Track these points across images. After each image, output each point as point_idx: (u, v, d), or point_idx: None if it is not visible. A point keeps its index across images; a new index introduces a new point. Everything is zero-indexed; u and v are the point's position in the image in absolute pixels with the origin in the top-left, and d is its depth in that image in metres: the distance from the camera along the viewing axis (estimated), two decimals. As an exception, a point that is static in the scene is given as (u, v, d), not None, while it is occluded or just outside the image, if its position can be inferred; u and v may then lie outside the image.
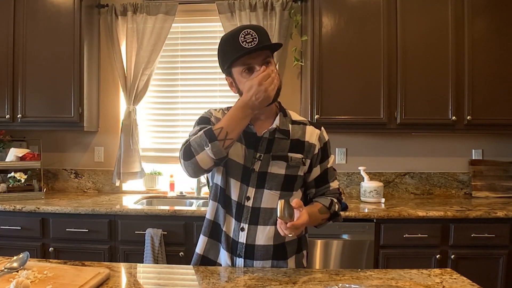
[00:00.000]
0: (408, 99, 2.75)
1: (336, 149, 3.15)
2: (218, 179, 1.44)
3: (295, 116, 1.50)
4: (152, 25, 3.04)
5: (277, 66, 3.03)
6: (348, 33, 2.77)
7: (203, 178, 2.94)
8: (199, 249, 1.48)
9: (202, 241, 1.48)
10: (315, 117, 2.75)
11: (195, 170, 1.30)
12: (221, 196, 1.43)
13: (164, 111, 3.31)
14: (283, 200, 1.21)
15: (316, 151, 1.44)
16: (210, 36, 3.23)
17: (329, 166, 1.49)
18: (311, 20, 2.79)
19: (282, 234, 1.23)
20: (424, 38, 2.74)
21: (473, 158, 3.14)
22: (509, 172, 3.10)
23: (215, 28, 3.20)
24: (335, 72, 2.77)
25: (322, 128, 1.49)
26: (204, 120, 1.44)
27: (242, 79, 1.32)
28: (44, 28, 2.89)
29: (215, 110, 1.50)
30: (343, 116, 2.77)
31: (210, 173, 1.45)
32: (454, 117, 2.73)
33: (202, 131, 1.28)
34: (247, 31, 1.29)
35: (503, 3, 2.74)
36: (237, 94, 1.39)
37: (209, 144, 1.24)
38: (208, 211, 1.47)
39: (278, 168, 1.39)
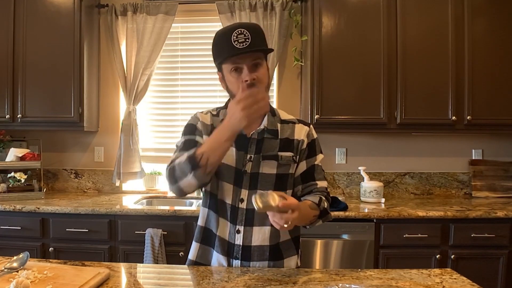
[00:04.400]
0: (408, 99, 2.75)
1: (336, 149, 3.15)
2: (208, 185, 1.43)
3: (284, 115, 1.49)
4: (152, 25, 3.04)
5: (276, 67, 3.05)
6: (348, 33, 2.77)
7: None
8: (191, 255, 1.49)
9: (194, 247, 1.48)
10: (315, 117, 2.75)
11: (181, 193, 1.31)
12: (212, 202, 1.43)
13: (164, 111, 3.31)
14: (255, 195, 1.14)
15: (304, 146, 1.44)
16: (210, 36, 3.16)
17: (316, 163, 1.46)
18: (311, 20, 2.79)
19: (277, 227, 1.17)
20: (424, 38, 2.74)
21: (473, 158, 3.14)
22: (509, 172, 3.10)
23: (215, 28, 3.17)
24: (335, 72, 2.77)
25: (311, 126, 1.49)
26: (190, 129, 1.43)
27: (230, 77, 1.33)
28: (44, 28, 2.89)
29: (202, 113, 1.48)
30: (343, 116, 2.77)
31: None
32: (454, 117, 2.73)
33: (186, 157, 1.24)
34: (241, 31, 1.28)
35: (503, 3, 2.74)
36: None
37: (192, 172, 1.23)
38: (200, 218, 1.48)
39: (269, 168, 1.39)
